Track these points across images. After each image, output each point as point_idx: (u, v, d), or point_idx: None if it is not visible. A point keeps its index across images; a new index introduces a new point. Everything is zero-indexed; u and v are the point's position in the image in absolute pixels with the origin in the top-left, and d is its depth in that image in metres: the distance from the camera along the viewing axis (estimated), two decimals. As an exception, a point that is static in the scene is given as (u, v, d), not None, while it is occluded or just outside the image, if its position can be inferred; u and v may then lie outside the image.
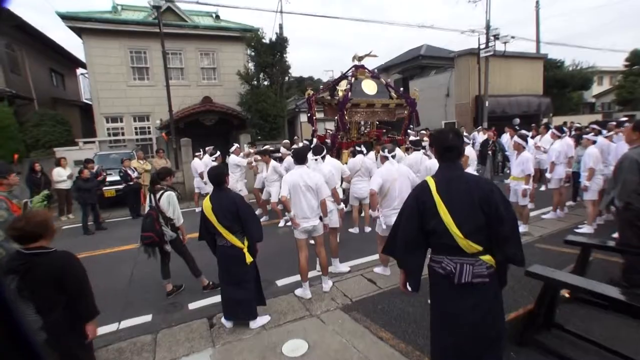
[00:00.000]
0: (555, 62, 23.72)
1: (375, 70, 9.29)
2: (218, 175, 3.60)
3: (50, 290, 2.11)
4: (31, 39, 15.22)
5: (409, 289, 2.20)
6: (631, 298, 2.38)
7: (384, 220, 4.38)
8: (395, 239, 2.18)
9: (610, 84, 32.21)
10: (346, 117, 7.70)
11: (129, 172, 8.90)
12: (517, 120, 16.64)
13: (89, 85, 15.12)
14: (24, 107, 13.64)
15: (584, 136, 6.55)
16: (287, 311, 3.92)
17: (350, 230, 6.57)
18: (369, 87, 8.04)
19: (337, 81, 8.78)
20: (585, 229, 5.96)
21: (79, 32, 13.60)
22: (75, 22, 13.18)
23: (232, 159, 7.80)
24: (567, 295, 3.39)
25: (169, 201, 4.32)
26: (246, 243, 3.53)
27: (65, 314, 2.15)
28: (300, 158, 4.27)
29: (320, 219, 4.20)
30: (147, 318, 4.06)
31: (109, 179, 9.31)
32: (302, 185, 4.03)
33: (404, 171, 4.60)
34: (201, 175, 8.39)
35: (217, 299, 4.28)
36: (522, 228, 6.11)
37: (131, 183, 8.92)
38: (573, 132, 10.38)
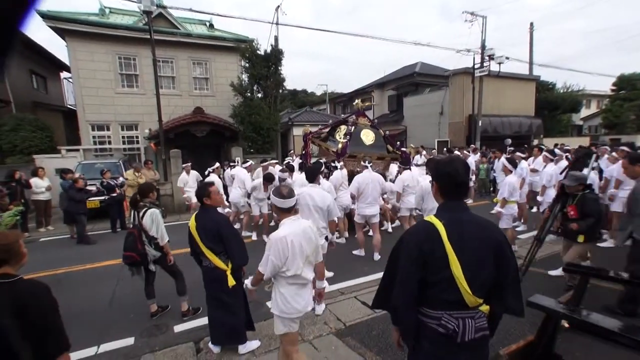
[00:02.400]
0: (547, 84, 24.18)
1: (375, 121, 9.51)
2: (202, 194, 3.41)
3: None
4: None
5: (405, 346, 1.89)
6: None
7: (358, 212, 5.76)
8: (390, 292, 1.81)
9: (598, 107, 33.08)
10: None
11: (111, 182, 8.39)
12: (509, 141, 16.72)
13: (73, 91, 14.49)
14: (0, 111, 12.90)
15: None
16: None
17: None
18: (367, 136, 8.09)
19: (336, 124, 8.82)
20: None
21: (62, 33, 12.94)
22: (58, 22, 12.49)
23: (242, 175, 7.57)
24: (566, 325, 3.11)
25: (152, 219, 4.04)
26: (230, 265, 3.30)
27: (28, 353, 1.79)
28: (312, 176, 4.35)
29: (326, 238, 4.18)
30: (129, 341, 3.79)
31: (91, 188, 8.68)
32: (311, 205, 4.08)
33: (375, 177, 6.10)
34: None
35: (205, 320, 4.01)
36: None
37: (114, 195, 8.38)
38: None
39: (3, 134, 11.96)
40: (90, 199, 8.61)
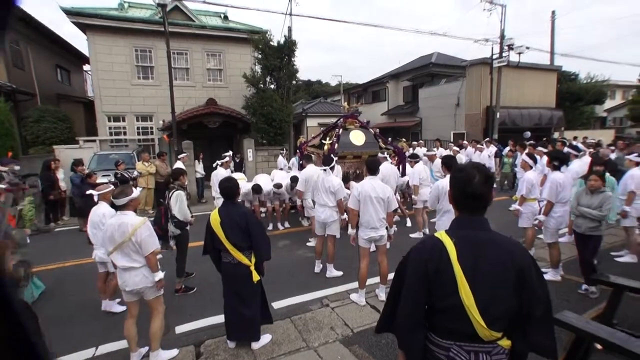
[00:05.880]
0: (569, 74, 23.22)
1: (365, 121, 9.41)
2: (232, 187, 3.49)
3: None
4: (37, 34, 15.03)
5: None
6: None
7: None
8: (394, 314, 1.62)
9: (623, 98, 31.58)
10: None
11: (125, 174, 8.56)
12: (528, 134, 16.29)
13: (91, 83, 14.91)
14: (26, 103, 13.38)
15: (627, 157, 6.05)
16: (282, 341, 3.60)
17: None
18: (357, 137, 8.08)
19: (328, 130, 8.82)
20: (628, 257, 5.51)
21: (84, 28, 13.33)
22: (80, 17, 12.90)
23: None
24: (599, 347, 2.80)
25: (176, 200, 4.59)
26: (253, 260, 3.37)
27: None
28: (373, 169, 4.42)
29: (386, 229, 4.32)
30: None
31: (105, 180, 8.86)
32: (373, 196, 4.16)
33: (393, 169, 6.98)
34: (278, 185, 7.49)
35: (209, 321, 4.08)
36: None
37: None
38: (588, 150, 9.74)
39: (27, 125, 12.43)
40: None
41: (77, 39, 25.34)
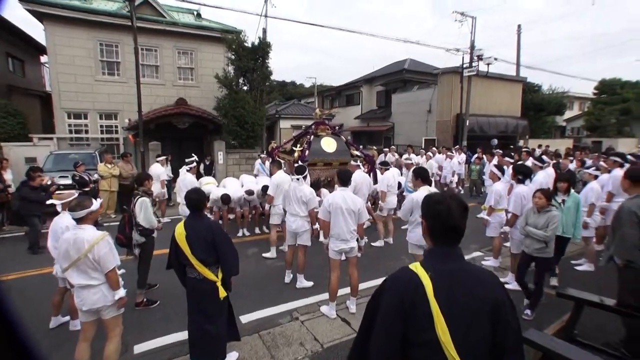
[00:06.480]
0: (533, 85, 24.39)
1: (337, 127, 9.39)
2: (199, 199, 3.35)
3: None
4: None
5: None
6: None
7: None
8: (367, 345, 1.55)
9: (580, 109, 33.66)
10: None
11: (85, 177, 8.01)
12: (495, 141, 16.86)
13: (49, 76, 13.95)
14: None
15: (585, 170, 6.38)
16: (249, 358, 3.47)
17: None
18: (328, 144, 8.00)
19: (299, 136, 8.71)
20: (586, 266, 5.75)
21: (40, 16, 12.41)
22: (35, 5, 11.96)
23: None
24: None
25: (140, 207, 4.41)
26: (220, 276, 3.21)
27: None
28: (345, 180, 4.35)
29: (357, 240, 4.27)
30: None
31: (62, 182, 8.23)
32: (344, 208, 4.12)
33: (366, 177, 7.02)
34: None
35: (172, 338, 3.85)
36: (491, 262, 5.94)
37: (87, 189, 8.01)
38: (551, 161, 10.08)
39: None
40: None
41: (34, 26, 23.55)
